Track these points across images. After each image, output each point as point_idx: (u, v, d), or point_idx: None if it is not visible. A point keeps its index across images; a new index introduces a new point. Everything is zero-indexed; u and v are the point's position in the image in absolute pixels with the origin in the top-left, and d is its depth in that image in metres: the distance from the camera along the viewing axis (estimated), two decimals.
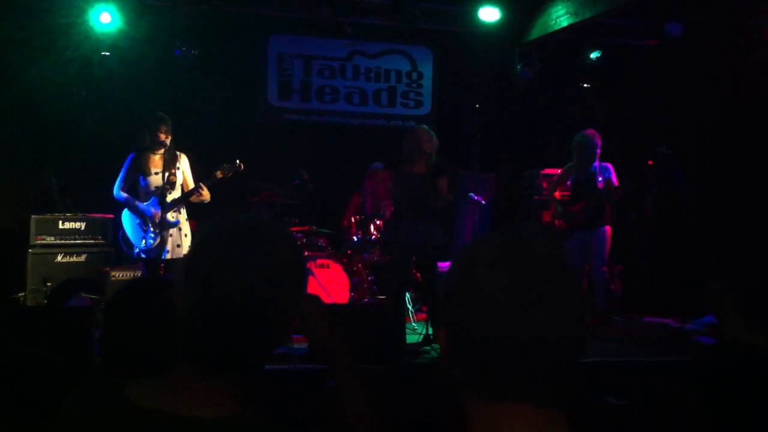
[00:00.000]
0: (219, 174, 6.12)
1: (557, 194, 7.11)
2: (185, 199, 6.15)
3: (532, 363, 1.02)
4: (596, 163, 6.72)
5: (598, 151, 6.68)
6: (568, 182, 6.97)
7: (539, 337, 1.01)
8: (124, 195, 6.17)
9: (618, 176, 6.72)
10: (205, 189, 6.04)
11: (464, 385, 1.08)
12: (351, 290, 6.85)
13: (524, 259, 1.04)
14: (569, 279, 1.05)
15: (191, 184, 6.20)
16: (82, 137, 7.64)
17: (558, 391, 1.04)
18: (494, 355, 1.02)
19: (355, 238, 7.17)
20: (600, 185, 6.68)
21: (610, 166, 6.77)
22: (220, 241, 1.24)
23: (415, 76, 9.29)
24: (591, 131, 6.74)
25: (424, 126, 6.40)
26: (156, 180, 6.09)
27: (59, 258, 6.97)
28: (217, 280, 1.20)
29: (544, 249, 1.06)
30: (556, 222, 7.05)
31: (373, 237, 7.12)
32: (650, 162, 6.39)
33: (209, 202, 6.12)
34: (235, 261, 1.21)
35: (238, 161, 6.14)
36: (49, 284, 6.72)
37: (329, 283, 6.75)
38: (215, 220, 1.29)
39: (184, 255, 1.28)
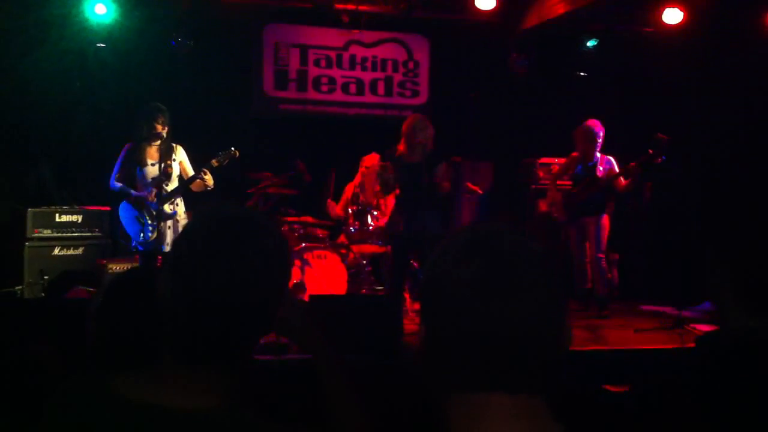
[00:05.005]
0: (215, 162, 6.11)
1: (558, 183, 7.18)
2: (185, 188, 6.13)
3: (505, 352, 1.02)
4: (598, 155, 6.82)
5: (600, 141, 6.78)
6: (571, 172, 7.04)
7: (510, 327, 1.01)
8: (119, 185, 6.15)
9: (622, 169, 6.74)
10: (209, 174, 6.03)
11: (441, 378, 1.07)
12: (348, 281, 6.84)
13: (492, 250, 1.05)
14: (541, 269, 1.05)
15: (191, 173, 6.18)
16: (78, 129, 7.62)
17: (535, 379, 1.04)
18: (467, 347, 1.03)
19: (352, 229, 7.16)
20: (600, 174, 6.78)
21: (612, 158, 6.86)
22: (205, 230, 1.25)
23: (411, 65, 9.25)
24: (594, 121, 6.83)
25: (420, 115, 6.39)
26: (152, 171, 6.08)
27: (56, 251, 6.97)
28: (201, 269, 1.20)
29: (513, 239, 1.06)
30: (554, 211, 7.08)
31: (371, 227, 7.10)
32: (650, 150, 6.37)
33: (211, 190, 6.11)
34: (218, 250, 1.21)
35: (233, 148, 6.14)
36: (46, 277, 6.72)
37: (326, 274, 6.74)
38: (201, 211, 1.29)
39: (170, 245, 1.29)
